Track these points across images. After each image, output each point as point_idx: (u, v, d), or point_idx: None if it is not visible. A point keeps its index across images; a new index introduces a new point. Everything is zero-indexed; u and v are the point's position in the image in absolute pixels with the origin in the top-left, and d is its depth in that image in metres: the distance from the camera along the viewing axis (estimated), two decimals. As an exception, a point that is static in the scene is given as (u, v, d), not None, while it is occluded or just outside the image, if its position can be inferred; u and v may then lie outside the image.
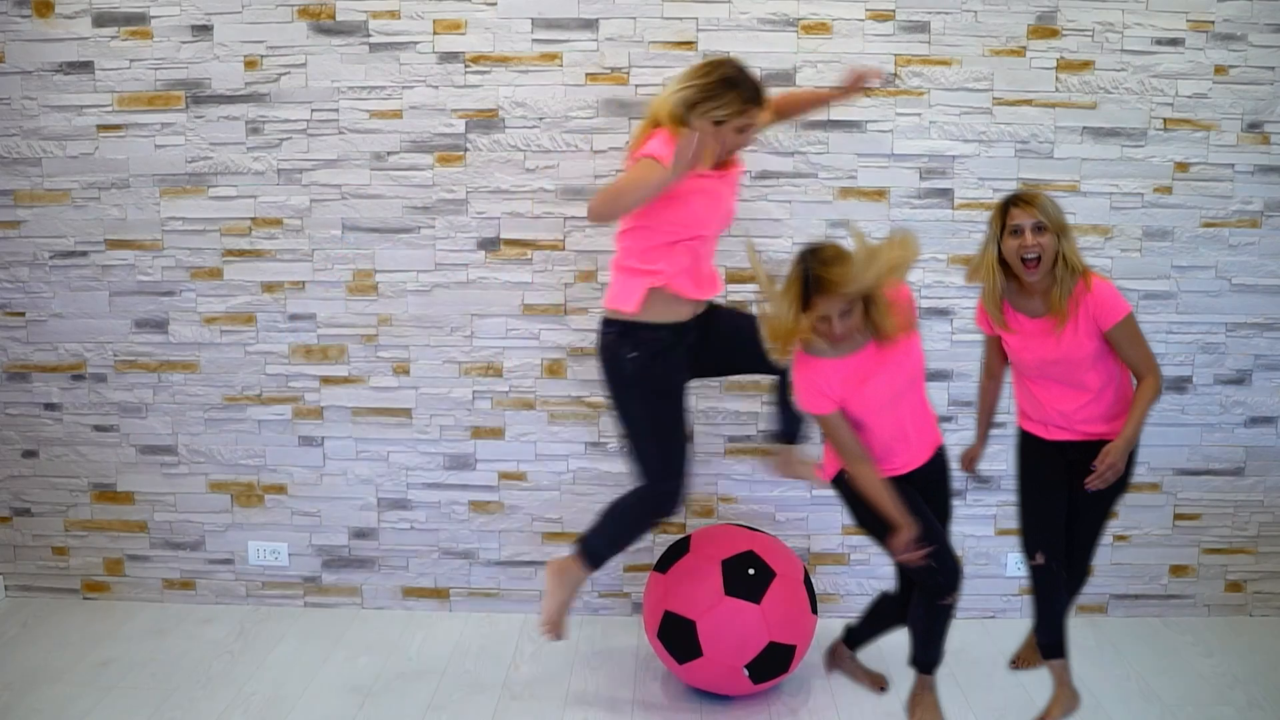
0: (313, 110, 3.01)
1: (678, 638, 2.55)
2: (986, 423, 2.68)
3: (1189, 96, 2.96)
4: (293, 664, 2.88)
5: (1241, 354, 3.09)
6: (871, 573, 3.19)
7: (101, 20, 2.97)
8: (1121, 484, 2.40)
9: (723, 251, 3.03)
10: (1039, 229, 2.25)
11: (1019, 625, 3.14)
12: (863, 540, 3.18)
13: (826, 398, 2.23)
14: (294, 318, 3.12)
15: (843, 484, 2.36)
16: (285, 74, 2.99)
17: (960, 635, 3.09)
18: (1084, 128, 2.98)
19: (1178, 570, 3.20)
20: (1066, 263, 2.28)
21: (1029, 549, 2.44)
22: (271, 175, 3.04)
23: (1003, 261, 2.33)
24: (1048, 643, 2.43)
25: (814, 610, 2.66)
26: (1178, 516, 3.18)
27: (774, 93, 2.54)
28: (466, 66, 2.98)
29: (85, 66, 3.00)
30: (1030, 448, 2.49)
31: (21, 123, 3.04)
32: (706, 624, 2.50)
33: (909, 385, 2.30)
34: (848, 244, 2.15)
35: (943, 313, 3.06)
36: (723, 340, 2.53)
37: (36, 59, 3.00)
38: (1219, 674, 2.83)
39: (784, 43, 2.95)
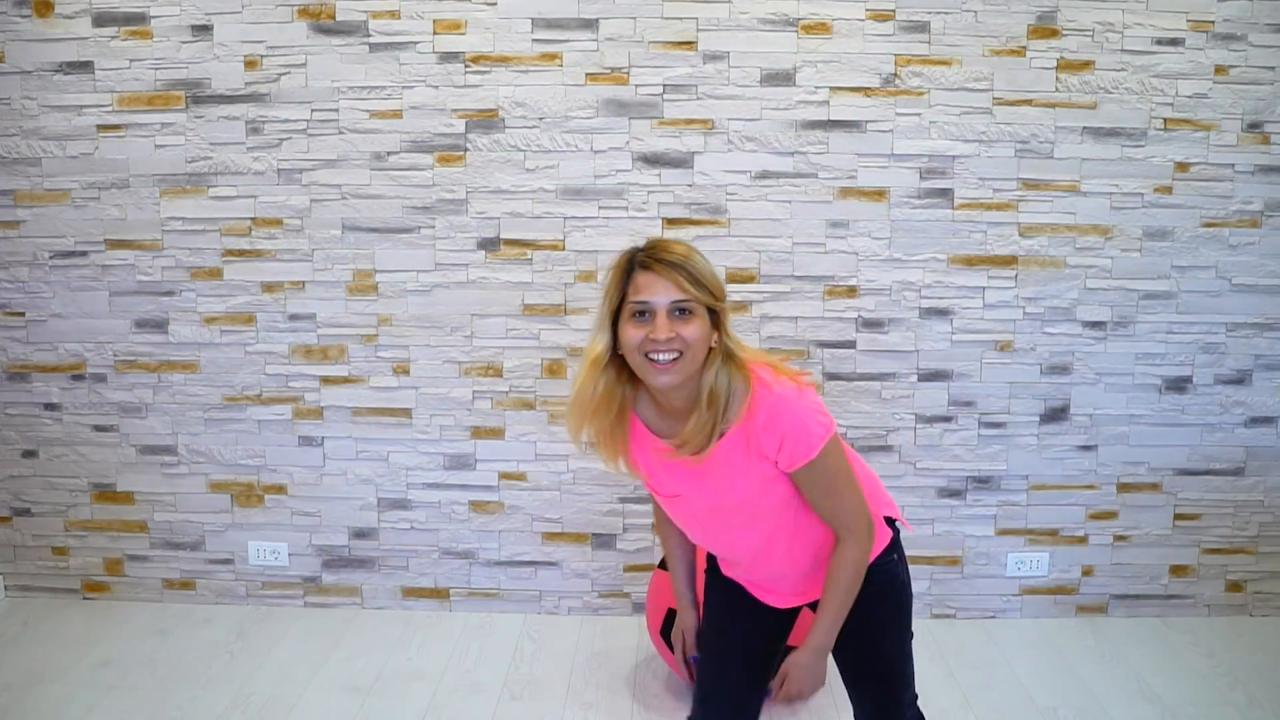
0: (313, 110, 3.00)
1: (678, 638, 2.54)
2: (690, 587, 1.89)
3: (1189, 96, 2.96)
4: (293, 664, 2.88)
5: (1242, 354, 3.09)
6: (871, 573, 3.19)
7: (101, 20, 2.97)
8: (897, 602, 1.72)
9: (722, 251, 3.04)
10: (682, 311, 1.47)
11: (1019, 626, 3.15)
12: (863, 540, 3.18)
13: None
14: (294, 318, 3.11)
15: None
16: (285, 74, 2.99)
17: (960, 635, 3.09)
18: (1084, 128, 2.98)
19: (1178, 570, 3.20)
20: (726, 361, 1.50)
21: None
22: (271, 175, 3.04)
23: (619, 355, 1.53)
24: None
25: (815, 611, 2.66)
26: (1178, 516, 3.18)
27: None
28: (466, 66, 2.98)
29: (85, 66, 3.00)
30: (717, 580, 1.80)
31: (21, 123, 3.04)
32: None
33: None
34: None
35: (943, 313, 3.06)
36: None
37: (36, 59, 3.00)
38: (1219, 674, 2.83)
39: (784, 42, 2.95)
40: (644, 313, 1.47)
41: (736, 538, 1.65)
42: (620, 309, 1.50)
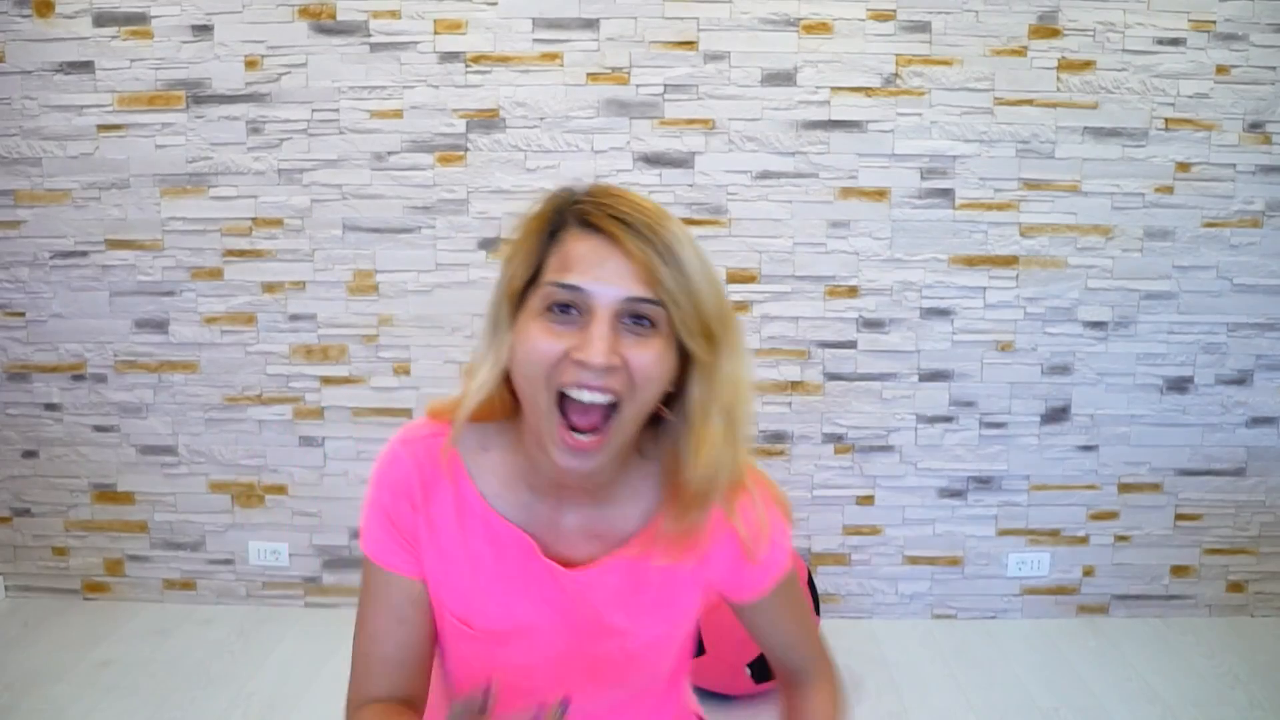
0: (313, 110, 3.00)
1: (679, 638, 2.54)
2: None
3: (1190, 96, 2.96)
4: (293, 664, 2.87)
5: (1243, 354, 3.09)
6: (873, 573, 3.19)
7: (101, 20, 2.97)
8: None
9: (723, 251, 3.03)
10: (639, 320, 0.85)
11: (1020, 626, 3.15)
12: (864, 540, 3.18)
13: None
14: (294, 318, 3.11)
15: None
16: (286, 74, 2.99)
17: (961, 636, 3.09)
18: (1085, 128, 2.98)
19: (1179, 571, 3.20)
20: (686, 434, 0.90)
21: None
22: (272, 175, 3.04)
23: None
24: None
25: (817, 611, 2.66)
26: (1179, 517, 3.17)
27: None
28: (467, 66, 2.98)
29: (85, 66, 3.00)
30: None
31: (21, 123, 3.03)
32: (709, 622, 2.49)
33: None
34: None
35: (944, 313, 3.06)
36: None
37: (36, 59, 2.99)
38: (1220, 674, 2.83)
39: (785, 43, 2.94)
40: (570, 306, 0.85)
41: (587, 706, 0.99)
42: (526, 291, 0.88)
